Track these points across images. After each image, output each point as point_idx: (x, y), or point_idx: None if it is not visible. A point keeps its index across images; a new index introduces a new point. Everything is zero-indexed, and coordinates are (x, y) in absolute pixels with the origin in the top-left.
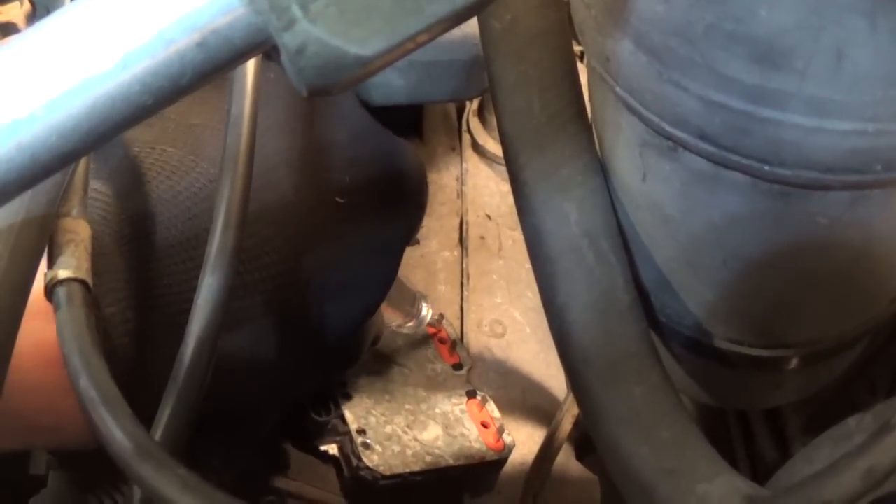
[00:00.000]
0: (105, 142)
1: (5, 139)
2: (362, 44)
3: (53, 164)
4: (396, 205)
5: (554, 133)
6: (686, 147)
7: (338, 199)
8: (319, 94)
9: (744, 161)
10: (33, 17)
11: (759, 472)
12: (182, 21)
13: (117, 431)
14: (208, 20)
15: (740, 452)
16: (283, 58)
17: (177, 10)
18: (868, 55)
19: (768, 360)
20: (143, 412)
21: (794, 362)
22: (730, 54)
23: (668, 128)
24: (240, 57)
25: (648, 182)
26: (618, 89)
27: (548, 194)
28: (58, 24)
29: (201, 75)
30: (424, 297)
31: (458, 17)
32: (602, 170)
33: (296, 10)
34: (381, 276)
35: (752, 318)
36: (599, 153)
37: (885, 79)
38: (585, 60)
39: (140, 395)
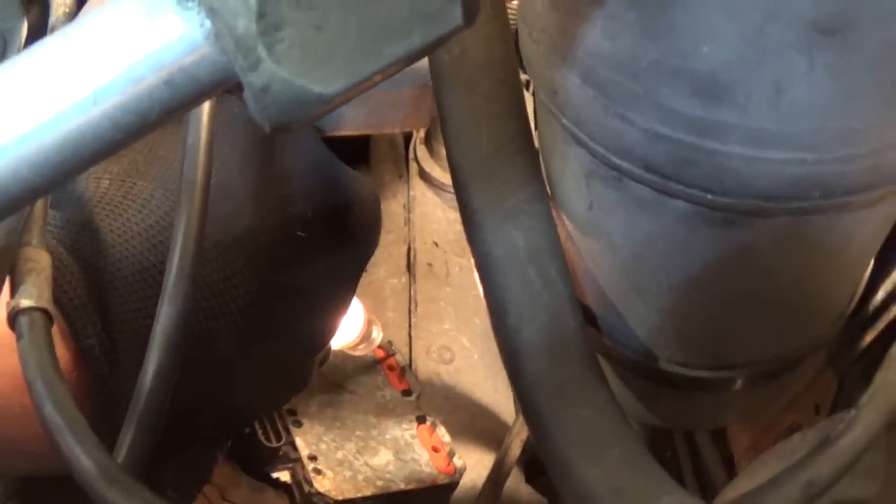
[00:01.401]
0: (75, 175)
1: None
2: (324, 83)
3: (24, 198)
4: (353, 233)
5: (502, 163)
6: (631, 177)
7: (299, 233)
8: (281, 130)
9: (687, 190)
10: None
11: (707, 492)
12: (150, 59)
13: (83, 457)
14: (175, 59)
15: (688, 473)
16: (247, 95)
17: (144, 49)
18: (805, 89)
19: (713, 381)
20: (115, 437)
21: (738, 383)
22: (673, 89)
23: (613, 159)
24: (205, 94)
25: (594, 210)
26: (564, 121)
27: (496, 222)
28: (31, 60)
29: (168, 111)
30: (375, 321)
31: (413, 58)
32: (549, 198)
33: (261, 51)
34: (339, 302)
35: (697, 341)
36: (547, 182)
37: (822, 110)
38: (531, 90)
39: (111, 418)
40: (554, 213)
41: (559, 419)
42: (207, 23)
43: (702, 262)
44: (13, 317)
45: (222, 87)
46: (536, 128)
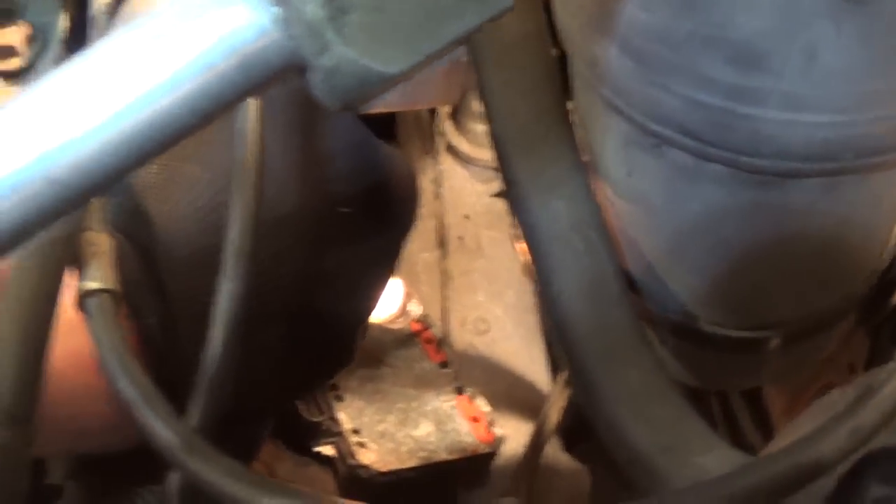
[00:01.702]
0: (151, 160)
1: (62, 159)
2: (387, 63)
3: (106, 182)
4: (392, 210)
5: (540, 134)
6: (669, 143)
7: (342, 209)
8: (346, 109)
9: (724, 154)
10: (32, 40)
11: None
12: (221, 45)
13: (162, 428)
14: (245, 44)
15: (723, 436)
16: (314, 77)
17: (216, 36)
18: (835, 54)
19: (750, 341)
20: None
21: (775, 342)
22: (710, 57)
23: (652, 126)
24: (275, 77)
25: (634, 177)
26: (603, 91)
27: (538, 192)
28: (109, 49)
29: (240, 95)
30: (413, 295)
31: (469, 35)
32: (587, 167)
33: (330, 35)
34: (381, 278)
35: (735, 301)
36: (585, 152)
37: (851, 75)
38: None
39: (175, 399)
40: (593, 182)
41: (607, 379)
42: (275, 9)
43: (739, 223)
44: (82, 299)
45: (290, 70)
46: (574, 99)
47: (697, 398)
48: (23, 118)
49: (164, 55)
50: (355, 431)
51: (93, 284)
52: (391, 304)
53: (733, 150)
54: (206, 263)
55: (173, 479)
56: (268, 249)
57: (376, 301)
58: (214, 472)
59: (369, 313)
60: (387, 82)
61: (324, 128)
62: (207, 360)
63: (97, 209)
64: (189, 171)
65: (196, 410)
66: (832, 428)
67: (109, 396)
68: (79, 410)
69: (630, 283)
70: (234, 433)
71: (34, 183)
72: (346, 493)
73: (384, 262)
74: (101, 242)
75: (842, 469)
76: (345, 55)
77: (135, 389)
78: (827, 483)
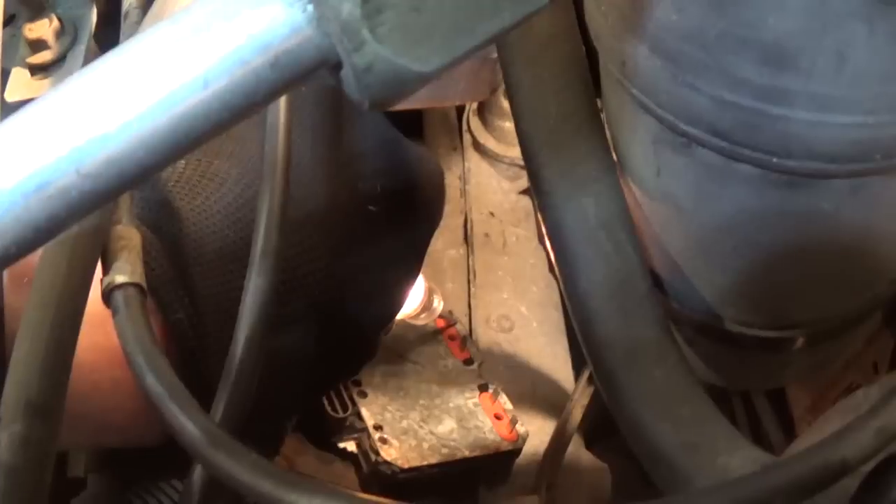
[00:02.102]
0: (183, 155)
1: (95, 153)
2: (423, 62)
3: (137, 178)
4: (419, 208)
5: (570, 133)
6: (699, 143)
7: (370, 207)
8: (380, 107)
9: (753, 154)
10: (62, 33)
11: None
12: (256, 42)
13: (187, 423)
14: (280, 42)
15: (746, 435)
16: (348, 75)
17: (251, 33)
18: (866, 55)
19: (776, 340)
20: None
21: (800, 342)
22: (740, 57)
23: (682, 125)
24: (308, 75)
25: (662, 177)
26: (633, 90)
27: (566, 191)
28: (143, 45)
29: (274, 92)
30: (436, 291)
31: (502, 35)
32: (616, 166)
33: (365, 34)
34: (407, 276)
35: (761, 301)
36: (614, 151)
37: (883, 76)
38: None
39: (201, 394)
40: (621, 181)
41: (632, 379)
42: (310, 7)
43: (767, 224)
44: (108, 293)
45: (323, 68)
46: (604, 99)
47: (721, 398)
48: (57, 112)
49: (198, 51)
50: (378, 427)
51: (120, 278)
52: (415, 299)
53: (762, 151)
54: (236, 259)
55: (196, 474)
56: (295, 246)
57: (403, 299)
58: (239, 467)
59: (396, 311)
60: (421, 81)
61: (353, 127)
62: (233, 355)
63: (126, 204)
64: (219, 167)
65: (221, 405)
66: (857, 428)
67: (136, 391)
68: (106, 405)
69: (657, 283)
70: (258, 429)
71: (67, 176)
72: (368, 489)
73: (410, 260)
74: (129, 237)
75: (865, 469)
76: (379, 54)
77: (160, 384)
78: (850, 483)
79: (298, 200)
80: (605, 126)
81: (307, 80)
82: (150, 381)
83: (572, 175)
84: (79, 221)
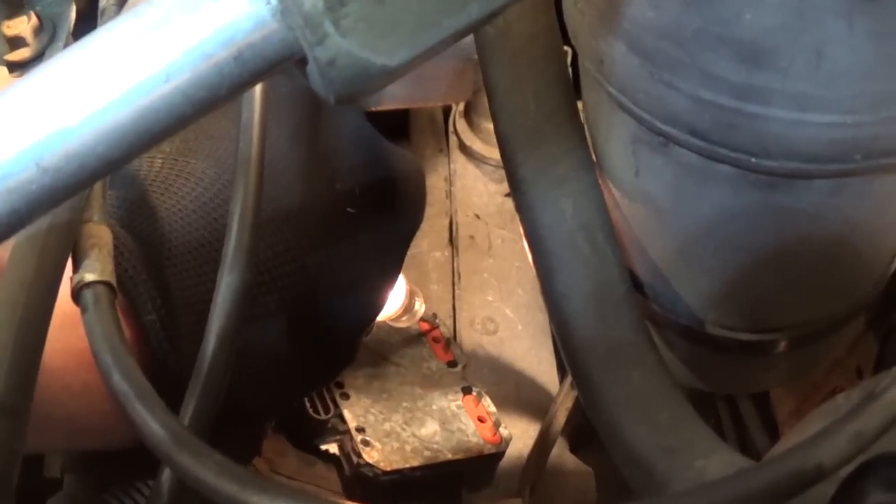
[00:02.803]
0: (146, 150)
1: (55, 147)
2: (388, 55)
3: (99, 172)
4: (398, 209)
5: (549, 132)
6: (677, 142)
7: (348, 208)
8: (345, 102)
9: (732, 154)
10: (40, 31)
11: (751, 458)
12: (219, 36)
13: (153, 423)
14: (243, 35)
15: (731, 439)
16: (312, 69)
17: (214, 26)
18: (845, 53)
19: (757, 344)
20: (175, 409)
21: (782, 346)
22: (717, 55)
23: (659, 125)
24: (273, 68)
25: (641, 177)
26: (611, 89)
27: (544, 191)
28: (106, 38)
29: (238, 86)
30: (417, 293)
31: (470, 29)
32: (595, 166)
33: (328, 26)
34: (386, 278)
35: (742, 304)
36: (593, 151)
37: (862, 74)
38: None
39: (172, 394)
40: (600, 182)
41: (609, 381)
42: (274, 0)
43: (746, 225)
44: (77, 291)
45: (288, 61)
46: (582, 98)
47: (705, 403)
48: (17, 106)
49: (160, 45)
50: (360, 430)
51: (90, 276)
52: (396, 301)
53: (741, 151)
54: (211, 260)
55: (165, 475)
56: (270, 245)
57: (382, 301)
58: (203, 468)
59: (375, 313)
60: (387, 75)
61: (330, 126)
62: (204, 354)
63: (98, 201)
64: (195, 167)
65: (191, 405)
66: (833, 432)
67: (107, 394)
68: (77, 407)
69: (636, 285)
70: (237, 430)
71: (27, 171)
72: (350, 492)
73: (388, 261)
74: (100, 235)
75: (842, 474)
76: (342, 47)
77: (126, 383)
78: (827, 489)
79: (273, 199)
80: (585, 126)
81: (272, 73)
82: (117, 379)
83: (550, 175)
84: (41, 216)
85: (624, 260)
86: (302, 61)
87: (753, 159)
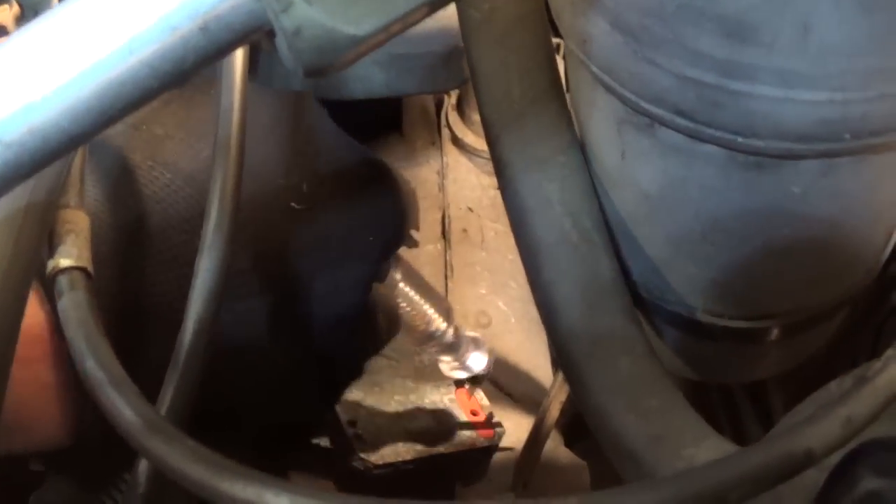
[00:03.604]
0: (112, 124)
1: (18, 122)
2: (356, 24)
3: (63, 147)
4: (375, 215)
5: (534, 116)
6: (662, 123)
7: (297, 206)
8: (314, 74)
9: (718, 134)
10: (22, 19)
11: None
12: (185, 8)
13: (126, 409)
14: (210, 7)
15: (725, 430)
16: (279, 40)
17: None
18: (833, 27)
19: (750, 331)
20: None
21: (774, 334)
22: (701, 30)
23: (644, 105)
24: (239, 40)
25: (627, 160)
26: (595, 69)
27: (530, 176)
28: (68, 12)
29: (204, 58)
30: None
31: (440, 1)
32: (581, 150)
33: None
34: (360, 281)
35: (733, 291)
36: (579, 135)
37: (850, 49)
38: (562, 53)
39: (149, 383)
40: (587, 167)
41: (597, 369)
42: None
43: (735, 208)
44: (53, 276)
45: (255, 33)
46: (567, 81)
47: (699, 393)
48: None
49: (124, 18)
50: (352, 423)
51: (65, 262)
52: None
53: (726, 130)
54: (155, 246)
55: (142, 465)
56: (248, 229)
57: (360, 302)
58: (175, 453)
59: (354, 314)
60: (355, 45)
61: (306, 128)
62: (184, 337)
63: (76, 187)
64: (176, 151)
65: (169, 393)
66: (823, 417)
67: (39, 392)
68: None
69: (625, 273)
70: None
71: None
72: (342, 486)
73: (365, 264)
74: (77, 220)
75: (834, 460)
76: (308, 15)
77: (100, 369)
78: (817, 476)
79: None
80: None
81: (238, 45)
82: (90, 365)
83: (536, 160)
84: (5, 192)
85: (612, 246)
86: (271, 34)
87: (740, 139)
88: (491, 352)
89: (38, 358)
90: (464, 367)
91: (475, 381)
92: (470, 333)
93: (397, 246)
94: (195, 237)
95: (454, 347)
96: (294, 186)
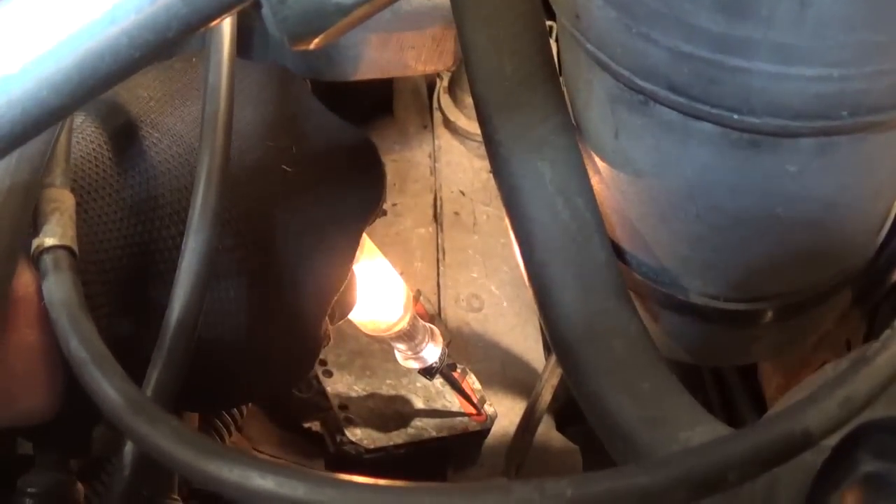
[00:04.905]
0: (93, 96)
1: None
2: None
3: (43, 120)
4: (361, 182)
5: (526, 94)
6: (656, 100)
7: (284, 167)
8: (301, 42)
9: (713, 111)
10: None
11: None
12: None
13: (109, 389)
14: None
15: (718, 414)
16: (265, 10)
17: None
18: (830, 1)
19: (743, 313)
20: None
21: (769, 316)
22: (696, 4)
23: (638, 81)
24: (223, 9)
25: (621, 138)
26: (588, 46)
27: (522, 154)
28: None
29: (186, 27)
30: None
31: None
32: (574, 129)
33: None
34: (347, 246)
35: (727, 272)
36: (571, 113)
37: (848, 24)
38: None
39: (135, 364)
40: (580, 146)
41: (590, 350)
42: None
43: (730, 187)
44: (37, 255)
45: (240, 2)
46: (560, 59)
47: (692, 376)
48: None
49: None
50: (343, 407)
51: (50, 241)
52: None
53: (722, 107)
54: (133, 218)
55: (128, 447)
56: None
57: (343, 270)
58: (159, 434)
59: (337, 282)
60: (341, 13)
61: (295, 98)
62: (170, 317)
63: (61, 166)
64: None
65: (155, 374)
66: (822, 397)
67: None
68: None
69: (618, 252)
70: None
71: None
72: (334, 470)
73: (346, 233)
74: (62, 199)
75: (832, 442)
76: None
77: (83, 348)
78: (815, 458)
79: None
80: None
81: (221, 15)
82: (74, 345)
83: (528, 139)
84: None
85: (605, 227)
86: (257, 4)
87: (736, 116)
88: (446, 345)
89: (25, 322)
90: (417, 358)
91: (428, 371)
92: (426, 324)
93: (375, 216)
94: (185, 197)
95: (410, 336)
96: (284, 149)
